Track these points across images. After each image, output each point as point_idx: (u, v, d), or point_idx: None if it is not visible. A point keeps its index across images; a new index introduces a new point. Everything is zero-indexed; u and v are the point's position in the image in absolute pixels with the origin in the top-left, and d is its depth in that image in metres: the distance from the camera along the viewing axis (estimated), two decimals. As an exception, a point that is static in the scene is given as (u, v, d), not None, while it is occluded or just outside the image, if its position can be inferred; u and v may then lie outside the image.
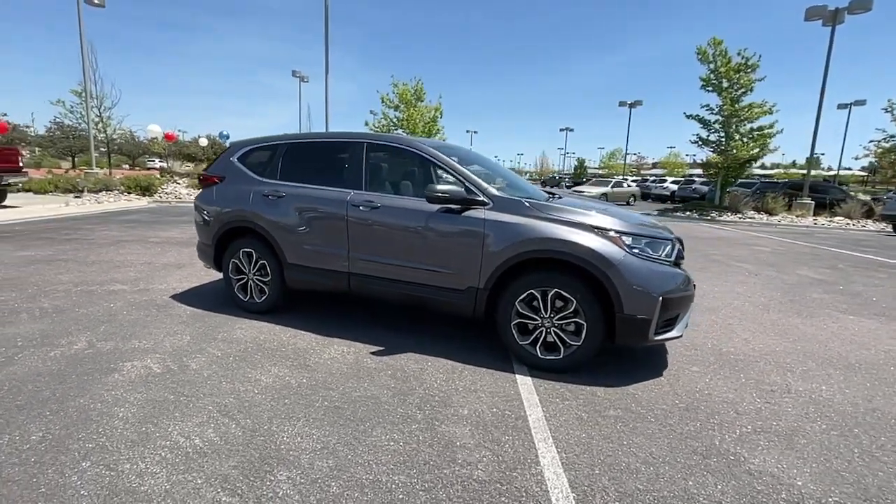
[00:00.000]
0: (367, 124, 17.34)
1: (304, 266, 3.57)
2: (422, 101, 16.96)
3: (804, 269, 6.72)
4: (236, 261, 3.85)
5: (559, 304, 2.82)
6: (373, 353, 3.12)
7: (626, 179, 28.12)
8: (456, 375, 2.83)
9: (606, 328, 2.75)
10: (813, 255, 8.01)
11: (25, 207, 10.97)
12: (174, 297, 4.28)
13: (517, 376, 2.84)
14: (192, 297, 4.26)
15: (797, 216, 15.06)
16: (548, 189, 4.42)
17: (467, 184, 3.07)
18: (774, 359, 3.25)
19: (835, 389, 2.79)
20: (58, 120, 25.58)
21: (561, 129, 60.47)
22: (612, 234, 2.74)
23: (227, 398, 2.47)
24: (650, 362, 3.10)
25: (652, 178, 33.46)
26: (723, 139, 15.76)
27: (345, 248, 3.39)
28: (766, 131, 15.17)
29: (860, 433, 2.31)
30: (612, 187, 23.60)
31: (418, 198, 3.17)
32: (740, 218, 14.72)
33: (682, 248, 3.28)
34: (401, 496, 1.77)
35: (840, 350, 3.46)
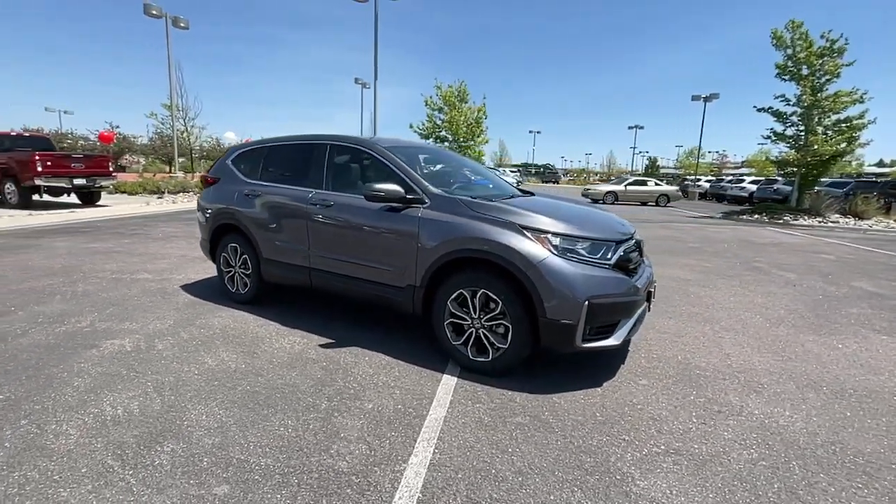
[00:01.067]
0: (411, 126, 17.81)
1: (275, 261, 3.82)
2: (465, 102, 16.99)
3: (863, 280, 5.80)
4: (225, 254, 4.21)
5: (489, 305, 2.75)
6: (321, 346, 3.26)
7: (651, 179, 25.30)
8: (384, 371, 2.88)
9: (533, 332, 2.64)
10: (886, 266, 6.88)
11: (114, 207, 12.69)
12: (184, 286, 4.76)
13: (444, 376, 2.81)
14: (197, 287, 4.71)
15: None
16: (522, 187, 4.28)
17: (409, 182, 3.10)
18: (748, 377, 2.89)
19: (800, 416, 2.43)
20: (158, 130, 29.12)
21: (630, 127, 57.26)
22: (538, 233, 2.62)
23: (167, 376, 2.73)
24: (597, 371, 2.91)
25: (728, 178, 30.53)
26: (801, 133, 13.96)
27: (306, 245, 3.57)
28: (854, 122, 13.20)
29: (797, 467, 2.00)
30: (627, 186, 22.02)
31: (367, 196, 3.25)
32: (820, 222, 12.95)
33: (639, 251, 3.04)
34: (256, 477, 1.87)
35: (840, 373, 2.98)
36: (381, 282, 3.19)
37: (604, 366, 2.99)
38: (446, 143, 16.99)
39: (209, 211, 4.32)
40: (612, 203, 20.72)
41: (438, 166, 4.16)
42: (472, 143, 16.94)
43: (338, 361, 3.00)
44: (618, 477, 1.91)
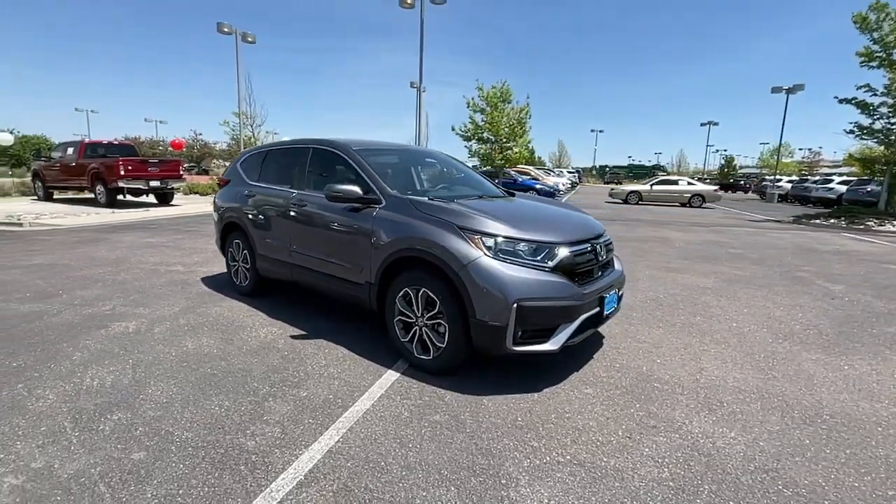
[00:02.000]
0: (453, 129, 17.95)
1: (267, 256, 4.12)
2: (508, 102, 16.79)
3: (927, 296, 5.00)
4: (231, 250, 4.61)
5: (432, 304, 2.79)
6: (292, 336, 3.48)
7: (684, 178, 22.72)
8: (336, 363, 3.02)
9: (467, 332, 2.64)
10: (972, 281, 5.84)
11: (184, 206, 14.14)
12: (204, 278, 5.26)
13: (389, 371, 2.90)
14: (214, 280, 5.18)
15: None
16: (506, 188, 4.22)
17: (369, 183, 3.22)
18: (710, 394, 2.66)
19: (745, 439, 2.21)
20: (233, 137, 32.03)
21: (702, 124, 53.08)
22: (473, 234, 2.62)
23: (148, 356, 3.08)
24: (549, 377, 2.83)
25: (815, 178, 27.31)
26: (892, 127, 12.17)
27: (288, 242, 3.82)
28: (962, 113, 11.27)
29: (706, 491, 1.85)
30: (653, 185, 20.46)
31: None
32: (914, 228, 11.20)
33: (595, 255, 2.91)
34: (172, 448, 2.08)
35: (826, 397, 2.65)
36: (345, 278, 3.35)
37: (556, 371, 2.91)
38: (488, 144, 16.94)
39: (220, 210, 4.74)
40: (637, 203, 19.47)
41: (427, 168, 4.25)
42: (514, 143, 16.75)
43: (299, 352, 3.19)
44: (502, 481, 1.89)
